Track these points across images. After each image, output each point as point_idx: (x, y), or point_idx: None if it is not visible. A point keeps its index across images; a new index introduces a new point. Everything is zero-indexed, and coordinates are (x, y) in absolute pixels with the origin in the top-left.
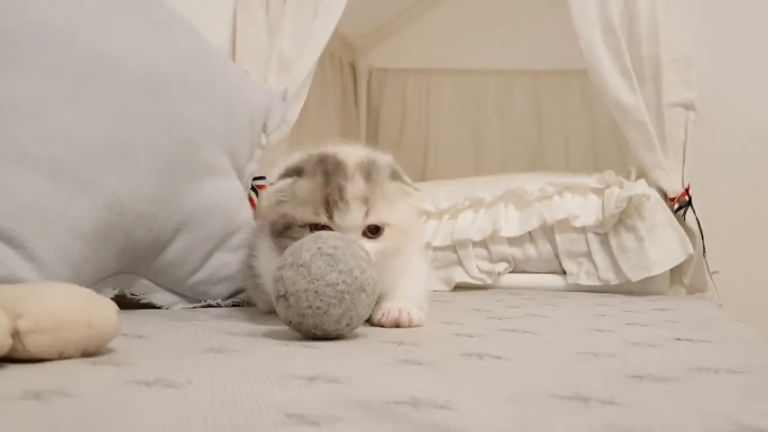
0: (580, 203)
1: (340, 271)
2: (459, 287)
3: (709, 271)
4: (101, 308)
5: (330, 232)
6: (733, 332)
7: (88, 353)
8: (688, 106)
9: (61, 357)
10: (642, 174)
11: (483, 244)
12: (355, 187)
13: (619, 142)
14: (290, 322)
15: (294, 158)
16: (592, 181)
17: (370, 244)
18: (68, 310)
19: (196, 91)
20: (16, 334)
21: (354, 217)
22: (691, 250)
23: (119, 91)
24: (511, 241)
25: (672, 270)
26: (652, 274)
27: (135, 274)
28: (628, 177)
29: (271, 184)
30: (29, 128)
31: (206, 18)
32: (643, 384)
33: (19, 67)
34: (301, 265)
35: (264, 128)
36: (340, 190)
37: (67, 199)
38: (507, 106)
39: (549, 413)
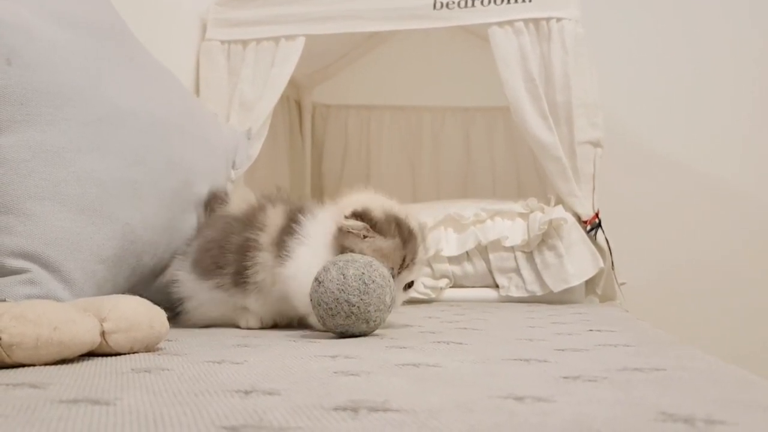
0: (509, 226)
1: (368, 326)
2: (406, 301)
3: (617, 282)
4: (157, 314)
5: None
6: (634, 327)
7: (148, 349)
8: (595, 144)
9: (131, 352)
10: (559, 200)
11: (426, 262)
12: (420, 252)
13: (539, 173)
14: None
15: (361, 203)
16: (518, 207)
17: (404, 297)
18: (136, 315)
19: (189, 137)
20: (102, 334)
21: (414, 275)
22: (602, 264)
23: (132, 139)
24: (451, 259)
25: (587, 282)
26: (571, 285)
27: (138, 294)
28: (548, 203)
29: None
30: (62, 171)
31: (172, 62)
32: (576, 383)
33: (52, 119)
34: (346, 301)
35: (233, 164)
36: (413, 254)
37: (92, 229)
38: (440, 139)
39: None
